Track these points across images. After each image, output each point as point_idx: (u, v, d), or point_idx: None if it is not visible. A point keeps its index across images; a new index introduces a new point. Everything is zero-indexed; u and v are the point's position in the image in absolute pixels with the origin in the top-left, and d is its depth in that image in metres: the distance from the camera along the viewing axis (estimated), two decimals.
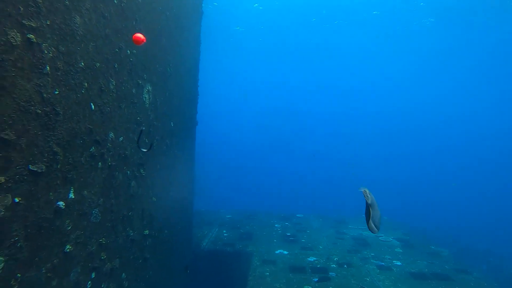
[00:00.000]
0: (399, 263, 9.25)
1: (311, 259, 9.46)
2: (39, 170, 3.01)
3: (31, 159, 2.92)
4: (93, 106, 3.97)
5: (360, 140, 50.46)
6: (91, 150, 3.96)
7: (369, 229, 3.30)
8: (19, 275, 2.87)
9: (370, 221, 3.27)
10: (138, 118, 5.50)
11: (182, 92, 8.53)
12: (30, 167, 2.91)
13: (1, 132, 2.58)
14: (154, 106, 6.27)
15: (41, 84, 3.02)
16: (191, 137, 9.89)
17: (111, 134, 4.51)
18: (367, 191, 3.32)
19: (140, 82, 5.57)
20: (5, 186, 2.64)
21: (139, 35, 3.78)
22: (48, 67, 3.12)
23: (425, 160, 43.86)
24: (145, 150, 4.28)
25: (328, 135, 53.14)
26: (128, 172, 5.16)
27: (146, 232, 5.97)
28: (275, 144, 51.73)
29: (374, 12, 26.16)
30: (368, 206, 3.28)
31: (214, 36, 30.72)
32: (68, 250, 3.54)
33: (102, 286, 4.39)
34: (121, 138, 4.85)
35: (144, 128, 4.38)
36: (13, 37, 2.67)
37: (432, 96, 42.44)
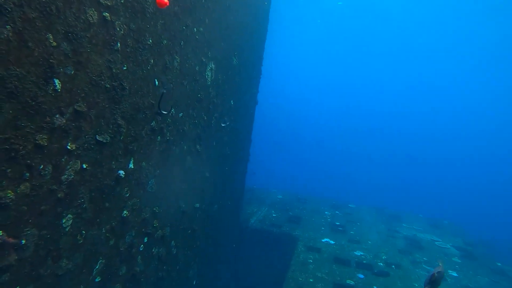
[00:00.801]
0: (455, 274, 8.61)
1: (358, 253, 9.22)
2: (105, 141, 3.25)
3: (98, 130, 3.16)
4: (157, 82, 4.15)
5: (426, 137, 47.09)
6: (152, 124, 4.17)
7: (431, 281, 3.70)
8: (83, 232, 3.19)
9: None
10: (199, 95, 5.65)
11: (245, 70, 8.56)
12: (97, 137, 3.15)
13: (75, 104, 2.80)
14: (215, 84, 6.39)
15: (112, 60, 3.21)
16: (250, 116, 9.98)
17: (172, 110, 4.70)
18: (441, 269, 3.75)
19: (203, 60, 5.67)
20: (75, 153, 2.90)
21: None
22: (119, 44, 3.29)
23: (499, 164, 39.63)
24: (165, 112, 4.37)
25: (394, 131, 50.37)
26: (185, 147, 5.38)
27: (197, 205, 6.26)
28: (334, 132, 50.47)
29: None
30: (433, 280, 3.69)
31: (284, 21, 30.33)
32: (125, 215, 3.83)
33: (153, 250, 4.73)
34: (181, 114, 5.04)
35: (165, 91, 4.42)
36: (91, 16, 2.84)
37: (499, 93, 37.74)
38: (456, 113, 46.06)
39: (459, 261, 9.64)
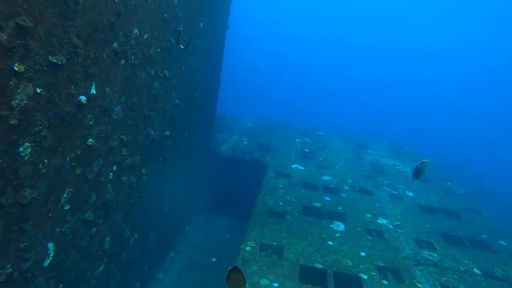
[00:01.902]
0: (411, 194, 9.39)
1: (325, 178, 9.71)
2: (59, 62, 2.92)
3: (50, 49, 2.81)
4: None
5: (390, 67, 47.61)
6: (114, 46, 3.79)
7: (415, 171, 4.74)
8: (46, 160, 3.03)
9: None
10: (165, 15, 5.14)
11: None
12: (50, 58, 2.81)
13: (17, 17, 2.42)
14: (183, 3, 5.81)
15: None
16: (220, 40, 9.43)
17: (135, 30, 4.27)
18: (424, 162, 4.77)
19: None
20: (25, 76, 2.59)
21: None
22: None
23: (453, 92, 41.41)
24: (183, 47, 4.23)
25: (361, 65, 50.22)
26: (152, 71, 5.04)
27: (167, 132, 6.13)
28: (305, 59, 49.60)
29: None
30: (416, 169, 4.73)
31: None
32: (90, 143, 3.67)
33: (123, 178, 4.69)
34: (145, 36, 4.61)
35: (181, 28, 4.18)
36: None
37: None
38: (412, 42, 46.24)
39: (416, 182, 10.46)
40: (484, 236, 7.51)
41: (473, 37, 41.04)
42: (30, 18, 2.53)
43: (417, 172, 4.74)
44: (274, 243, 6.06)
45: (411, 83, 44.98)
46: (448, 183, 10.87)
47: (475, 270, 6.13)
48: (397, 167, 11.95)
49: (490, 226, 8.11)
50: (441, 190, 10.12)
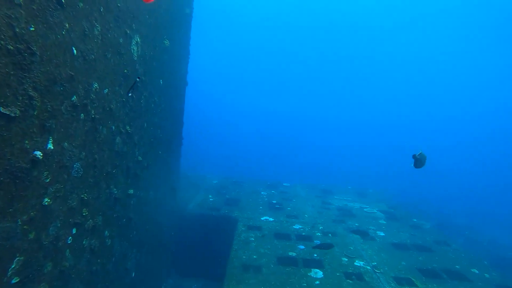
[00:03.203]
0: (382, 234, 9.42)
1: (297, 226, 9.53)
2: (12, 114, 2.72)
3: (2, 100, 2.62)
4: (75, 51, 3.62)
5: (353, 108, 50.74)
6: (73, 99, 3.65)
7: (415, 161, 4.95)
8: None
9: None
10: (125, 71, 5.14)
11: (173, 48, 8.08)
12: (2, 109, 2.62)
13: None
14: (142, 60, 5.89)
15: (13, 16, 2.66)
16: (180, 97, 9.54)
17: (95, 85, 4.18)
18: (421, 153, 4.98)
19: (128, 32, 5.16)
20: None
21: None
22: None
23: (414, 134, 44.51)
24: (130, 94, 4.14)
25: (321, 104, 53.24)
26: (113, 127, 4.88)
27: (131, 191, 5.79)
28: (264, 112, 51.47)
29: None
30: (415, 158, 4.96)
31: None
32: (46, 203, 3.32)
33: (84, 242, 4.24)
34: (106, 90, 4.52)
35: (138, 79, 4.18)
36: None
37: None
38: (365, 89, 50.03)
39: (385, 222, 10.58)
40: (457, 267, 7.58)
41: (425, 83, 44.96)
42: None
43: (417, 162, 4.96)
44: None
45: (365, 126, 47.75)
46: (415, 220, 11.13)
47: None
48: (365, 209, 12.10)
49: (460, 256, 8.24)
50: (409, 227, 10.29)
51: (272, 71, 52.86)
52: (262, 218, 10.16)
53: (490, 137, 35.67)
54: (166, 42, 6.90)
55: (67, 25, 3.44)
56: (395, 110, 47.84)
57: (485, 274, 7.32)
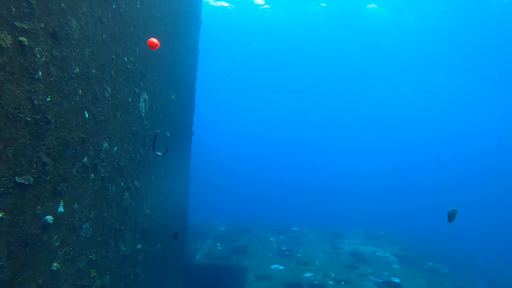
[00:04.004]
0: (397, 280, 9.03)
1: (308, 275, 9.20)
2: (26, 182, 2.79)
3: (18, 170, 2.70)
4: (87, 115, 3.78)
5: (357, 151, 50.71)
6: (84, 160, 3.75)
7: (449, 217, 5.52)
8: None
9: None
10: (134, 127, 5.30)
11: (179, 101, 8.36)
12: (17, 179, 2.69)
13: None
14: (150, 115, 6.08)
15: (32, 90, 2.83)
16: (186, 147, 9.68)
17: (105, 144, 4.30)
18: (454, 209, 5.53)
19: (136, 90, 5.39)
20: None
21: (153, 39, 3.90)
22: (40, 72, 2.93)
23: (422, 170, 43.97)
24: (160, 153, 4.28)
25: (324, 148, 53.42)
26: (122, 183, 4.93)
27: (139, 246, 5.71)
28: (270, 155, 51.73)
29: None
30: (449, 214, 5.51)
31: (215, 46, 31.08)
32: (55, 268, 3.29)
33: None
34: (115, 148, 4.64)
35: (159, 131, 4.32)
36: (2, 39, 2.49)
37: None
38: (380, 122, 50.15)
39: (399, 267, 10.18)
40: None
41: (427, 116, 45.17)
42: None
43: (450, 217, 5.53)
44: None
45: (372, 166, 47.44)
46: (430, 263, 10.70)
47: None
48: (377, 253, 11.71)
49: None
50: (425, 272, 9.88)
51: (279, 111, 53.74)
52: (272, 267, 9.86)
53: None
54: (172, 96, 7.16)
55: (80, 91, 3.62)
56: (404, 149, 47.83)
57: None
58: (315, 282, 8.71)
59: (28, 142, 2.81)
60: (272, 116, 54.31)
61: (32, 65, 2.84)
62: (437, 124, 45.50)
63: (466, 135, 43.48)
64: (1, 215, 2.56)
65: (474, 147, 42.35)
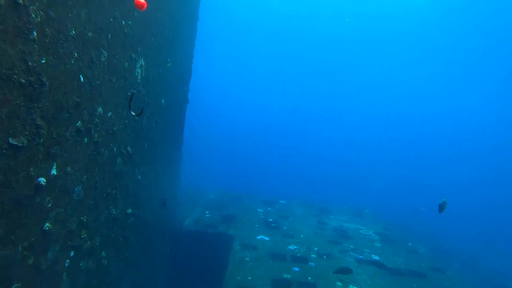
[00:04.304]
0: (377, 258, 9.43)
1: (292, 247, 9.54)
2: (20, 144, 2.81)
3: (11, 131, 2.71)
4: (82, 78, 3.73)
5: (351, 133, 50.98)
6: (77, 124, 3.74)
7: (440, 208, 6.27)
8: None
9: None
10: (129, 93, 5.25)
11: (175, 68, 8.24)
12: (10, 140, 2.70)
13: None
14: (146, 82, 6.01)
15: (27, 51, 2.78)
16: (181, 115, 9.65)
17: (100, 109, 4.28)
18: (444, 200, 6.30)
19: (133, 56, 5.29)
20: None
21: None
22: (35, 33, 2.87)
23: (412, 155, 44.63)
24: (134, 114, 4.23)
25: (321, 121, 53.49)
26: (115, 148, 4.96)
27: (129, 210, 5.83)
28: (264, 129, 51.74)
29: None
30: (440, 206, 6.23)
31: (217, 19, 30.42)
32: (47, 228, 3.37)
33: (81, 264, 4.26)
34: (109, 114, 4.62)
35: (134, 91, 4.28)
36: None
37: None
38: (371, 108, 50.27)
39: (380, 245, 10.59)
40: None
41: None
42: None
43: (441, 208, 6.24)
44: None
45: (366, 146, 47.90)
46: (410, 243, 11.14)
47: None
48: (360, 231, 12.11)
49: (455, 284, 8.24)
50: (404, 251, 10.30)
51: (269, 78, 53.29)
52: (258, 237, 10.17)
53: (494, 157, 35.84)
54: (168, 64, 7.04)
55: (76, 54, 3.56)
56: (397, 125, 48.07)
57: None
58: (298, 255, 9.04)
59: (22, 104, 2.80)
60: (269, 85, 53.83)
61: (27, 24, 2.77)
62: (424, 101, 45.50)
63: (452, 116, 43.58)
64: None
65: (459, 129, 42.55)
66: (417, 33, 31.38)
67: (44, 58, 3.01)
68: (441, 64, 34.74)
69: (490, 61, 29.92)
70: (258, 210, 13.59)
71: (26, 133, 2.89)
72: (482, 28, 26.12)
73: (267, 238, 10.12)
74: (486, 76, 32.96)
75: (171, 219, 9.85)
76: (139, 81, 5.69)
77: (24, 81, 2.77)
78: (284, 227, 11.48)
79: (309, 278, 7.61)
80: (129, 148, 5.49)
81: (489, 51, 28.67)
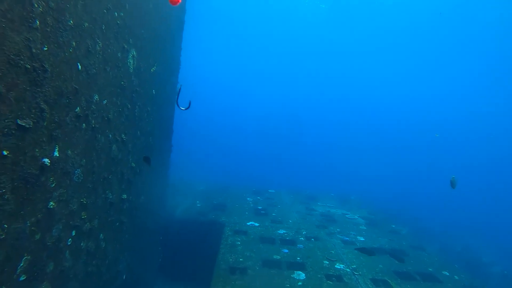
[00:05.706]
0: (362, 239, 9.90)
1: (281, 231, 9.91)
2: (27, 126, 3.03)
3: (19, 113, 2.93)
4: (80, 66, 3.94)
5: (338, 118, 51.61)
6: (76, 110, 3.96)
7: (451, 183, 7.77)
8: (5, 225, 2.94)
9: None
10: (122, 82, 5.46)
11: (165, 60, 8.42)
12: (19, 121, 2.93)
13: None
14: (137, 72, 6.22)
15: (31, 39, 2.99)
16: (171, 106, 9.85)
17: (96, 96, 4.50)
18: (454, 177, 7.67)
19: (125, 46, 5.49)
20: None
21: None
22: (38, 22, 3.08)
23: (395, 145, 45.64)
24: (183, 108, 4.58)
25: (308, 111, 53.98)
26: (110, 135, 5.18)
27: (124, 196, 6.07)
28: (252, 119, 51.96)
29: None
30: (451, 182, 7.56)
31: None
32: (51, 207, 3.61)
33: (82, 244, 4.51)
34: (105, 101, 4.84)
35: (181, 84, 4.59)
36: None
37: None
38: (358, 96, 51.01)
39: (365, 228, 11.07)
40: (430, 269, 8.09)
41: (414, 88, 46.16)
42: (3, 85, 2.70)
43: (452, 184, 7.51)
44: None
45: (350, 128, 48.70)
46: (393, 225, 11.67)
47: None
48: (346, 216, 12.59)
49: (433, 260, 8.77)
50: (388, 233, 10.81)
51: (260, 72, 53.51)
52: (248, 223, 10.49)
53: (474, 145, 37.01)
54: (153, 69, 7.21)
55: (74, 43, 3.77)
56: (384, 114, 48.93)
57: (455, 276, 7.86)
58: (287, 238, 9.42)
59: (28, 88, 3.02)
60: (257, 76, 54.05)
61: (30, 14, 2.98)
62: (409, 90, 46.44)
63: (435, 104, 44.57)
64: (5, 153, 2.82)
65: (441, 116, 43.55)
66: (414, 32, 32.09)
67: (46, 46, 3.22)
68: (422, 48, 35.40)
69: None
70: (248, 199, 13.91)
71: (32, 115, 3.12)
72: (481, 28, 26.84)
73: (257, 224, 10.45)
74: (468, 57, 33.65)
75: (163, 207, 10.10)
76: (132, 71, 5.89)
77: (29, 66, 2.99)
78: (273, 214, 11.84)
79: (298, 258, 7.99)
80: (123, 136, 5.71)
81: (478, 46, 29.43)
